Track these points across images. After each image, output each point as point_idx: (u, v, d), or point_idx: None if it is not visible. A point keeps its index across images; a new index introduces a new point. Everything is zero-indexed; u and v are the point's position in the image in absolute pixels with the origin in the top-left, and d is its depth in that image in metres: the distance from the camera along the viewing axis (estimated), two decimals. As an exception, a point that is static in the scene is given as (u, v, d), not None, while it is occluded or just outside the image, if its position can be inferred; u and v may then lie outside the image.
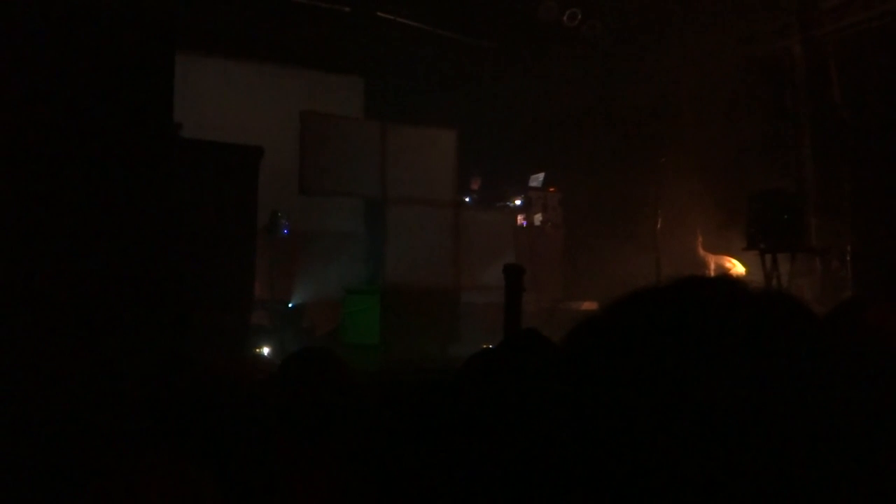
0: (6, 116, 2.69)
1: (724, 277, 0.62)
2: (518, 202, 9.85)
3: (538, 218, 9.69)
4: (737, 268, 7.12)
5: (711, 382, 0.51)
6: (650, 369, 0.53)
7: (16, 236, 2.65)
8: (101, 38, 2.95)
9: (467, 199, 9.39)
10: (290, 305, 8.06)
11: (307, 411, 1.60)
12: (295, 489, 1.40)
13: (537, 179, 9.92)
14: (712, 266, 7.60)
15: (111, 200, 2.87)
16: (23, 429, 2.46)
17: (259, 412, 1.62)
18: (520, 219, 9.69)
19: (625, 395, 0.53)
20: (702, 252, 7.79)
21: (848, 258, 6.67)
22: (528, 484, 0.62)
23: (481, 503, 1.16)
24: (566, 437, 0.55)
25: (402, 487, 1.40)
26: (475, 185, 9.43)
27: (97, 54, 2.92)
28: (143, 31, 3.07)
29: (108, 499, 1.49)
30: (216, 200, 4.79)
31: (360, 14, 8.76)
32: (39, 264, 2.66)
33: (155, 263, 3.01)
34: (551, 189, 9.75)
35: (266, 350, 6.56)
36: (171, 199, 3.23)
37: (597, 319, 0.61)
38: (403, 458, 1.42)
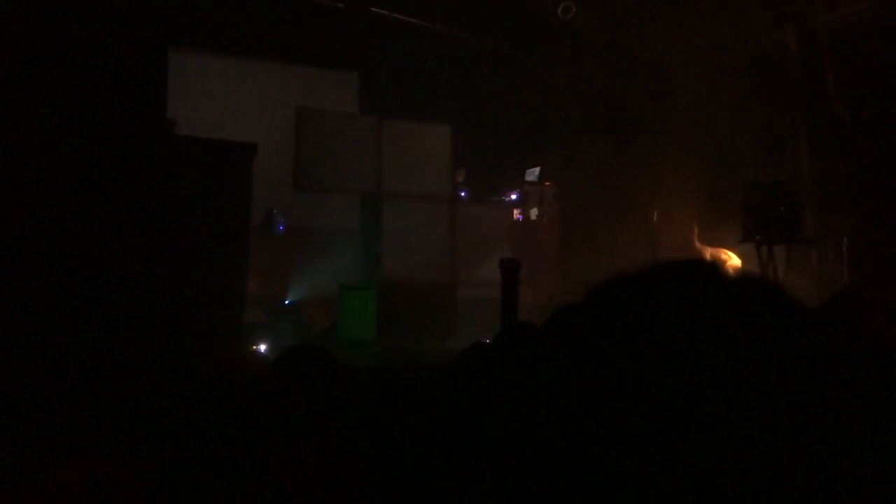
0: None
1: (699, 262, 0.62)
2: (514, 196, 9.85)
3: (534, 212, 9.69)
4: (733, 260, 7.12)
5: (683, 365, 0.50)
6: (624, 353, 0.53)
7: (8, 234, 2.64)
8: (94, 35, 2.93)
9: (463, 194, 9.38)
10: (286, 302, 8.05)
11: (299, 409, 1.60)
12: (289, 487, 1.40)
13: (533, 174, 9.92)
14: (709, 258, 7.59)
15: (103, 198, 2.85)
16: (19, 428, 2.45)
17: (251, 410, 1.62)
18: (516, 213, 9.68)
19: (599, 379, 0.53)
20: (698, 244, 7.79)
21: (844, 249, 6.67)
22: (522, 477, 0.61)
23: (477, 496, 1.16)
24: (549, 427, 0.54)
25: (398, 482, 1.39)
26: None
27: (90, 51, 2.90)
28: (136, 28, 3.05)
29: (104, 498, 1.48)
30: (209, 198, 4.78)
31: (354, 9, 8.74)
32: (31, 263, 2.65)
33: (148, 261, 3.00)
34: (547, 183, 9.74)
35: (263, 347, 6.56)
36: (165, 197, 3.22)
37: (575, 305, 0.61)
38: (399, 453, 1.42)
